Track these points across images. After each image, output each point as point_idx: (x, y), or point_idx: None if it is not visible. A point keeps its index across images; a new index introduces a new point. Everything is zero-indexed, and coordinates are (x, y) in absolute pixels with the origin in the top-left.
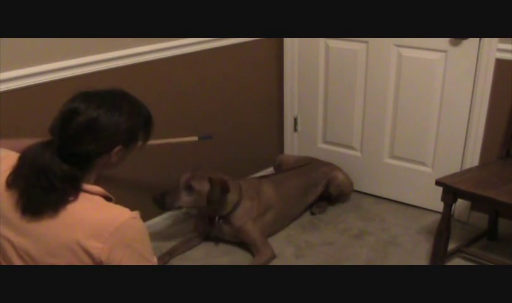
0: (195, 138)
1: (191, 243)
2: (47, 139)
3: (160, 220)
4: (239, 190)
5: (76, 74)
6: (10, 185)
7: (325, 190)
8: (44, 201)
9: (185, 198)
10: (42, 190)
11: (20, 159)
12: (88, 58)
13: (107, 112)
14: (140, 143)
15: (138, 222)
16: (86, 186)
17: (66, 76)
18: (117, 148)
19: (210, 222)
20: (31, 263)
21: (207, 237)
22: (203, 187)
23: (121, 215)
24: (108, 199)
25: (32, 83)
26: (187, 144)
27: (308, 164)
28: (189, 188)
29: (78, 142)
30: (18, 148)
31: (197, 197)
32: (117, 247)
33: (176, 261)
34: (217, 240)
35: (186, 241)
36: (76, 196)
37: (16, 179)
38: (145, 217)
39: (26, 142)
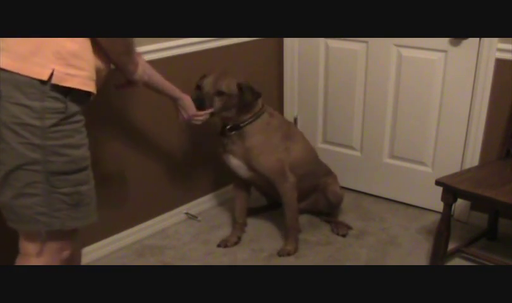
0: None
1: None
2: None
3: (160, 220)
4: (261, 104)
5: None
6: None
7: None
8: None
9: (218, 103)
10: None
11: None
12: None
13: None
14: None
15: None
16: None
17: None
18: None
19: (223, 142)
20: None
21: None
22: (232, 90)
23: None
24: None
25: None
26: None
27: None
28: (219, 93)
29: None
30: None
31: (227, 100)
32: None
33: (176, 261)
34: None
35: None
36: None
37: None
38: (146, 216)
39: None
